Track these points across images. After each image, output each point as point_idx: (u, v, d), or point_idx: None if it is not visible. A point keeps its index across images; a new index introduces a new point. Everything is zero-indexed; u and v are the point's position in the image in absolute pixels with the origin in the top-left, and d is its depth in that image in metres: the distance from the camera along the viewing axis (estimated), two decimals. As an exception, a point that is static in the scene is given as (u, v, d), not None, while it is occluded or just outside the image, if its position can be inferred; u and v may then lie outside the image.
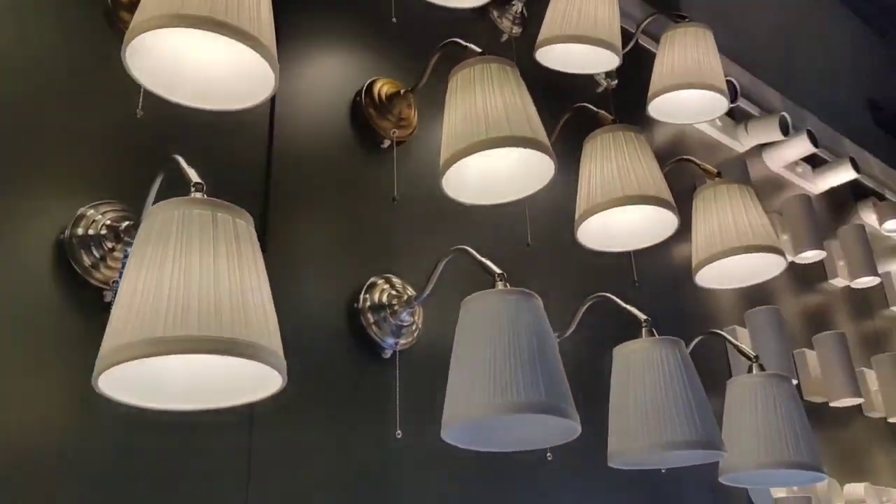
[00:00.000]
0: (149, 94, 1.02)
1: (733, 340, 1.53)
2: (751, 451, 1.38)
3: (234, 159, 1.25)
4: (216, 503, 1.04)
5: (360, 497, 1.19)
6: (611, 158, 1.40)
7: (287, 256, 1.25)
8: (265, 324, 0.78)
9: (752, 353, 1.49)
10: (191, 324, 0.72)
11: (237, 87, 1.03)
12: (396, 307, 1.30)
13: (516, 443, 1.12)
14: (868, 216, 2.86)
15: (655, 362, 1.24)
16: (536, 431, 1.10)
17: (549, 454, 1.43)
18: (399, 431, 1.23)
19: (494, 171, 1.29)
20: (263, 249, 1.20)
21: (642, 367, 1.25)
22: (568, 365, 1.55)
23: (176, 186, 0.89)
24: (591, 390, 1.56)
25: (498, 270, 1.11)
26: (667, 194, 1.38)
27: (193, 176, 0.87)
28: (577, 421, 1.02)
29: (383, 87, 1.46)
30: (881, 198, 2.98)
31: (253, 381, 0.84)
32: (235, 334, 0.73)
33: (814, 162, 2.65)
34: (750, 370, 1.46)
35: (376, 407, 1.25)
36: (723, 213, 1.57)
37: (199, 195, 0.84)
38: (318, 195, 1.33)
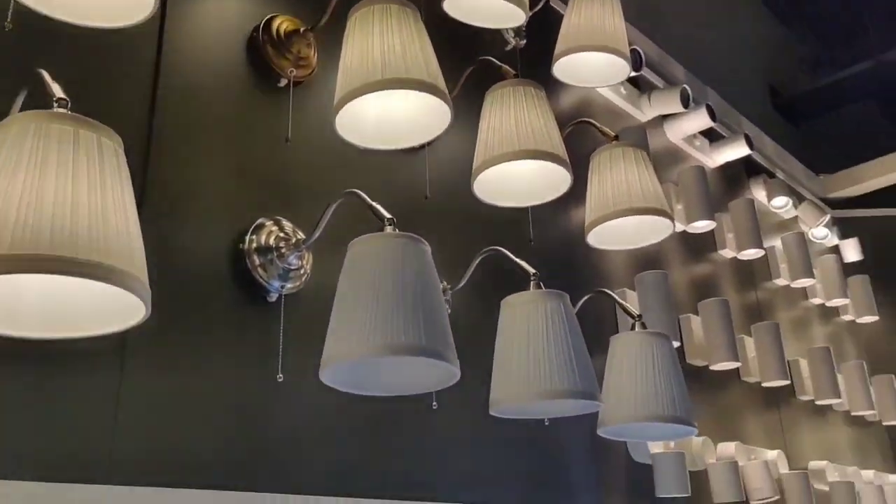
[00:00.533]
0: (19, 6, 0.95)
1: (618, 299, 1.57)
2: (628, 405, 1.43)
3: (116, 89, 1.18)
4: (81, 436, 1.00)
5: (237, 439, 1.16)
6: (510, 112, 1.40)
7: (170, 193, 1.20)
8: (128, 248, 0.74)
9: (635, 312, 1.54)
10: (41, 241, 0.67)
11: (116, 4, 0.97)
12: (284, 250, 1.27)
13: (396, 387, 1.11)
14: (758, 192, 2.99)
15: (540, 314, 1.27)
16: (417, 376, 1.10)
17: (434, 403, 1.44)
18: (280, 375, 1.22)
19: (391, 116, 1.27)
20: (144, 184, 1.16)
21: (527, 318, 1.27)
22: (459, 316, 1.57)
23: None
24: (480, 342, 1.58)
25: (387, 215, 1.10)
26: (562, 151, 1.40)
27: (57, 91, 0.81)
28: (457, 366, 1.02)
29: (282, 24, 1.41)
30: (771, 175, 3.12)
31: (116, 309, 0.80)
32: (92, 256, 0.69)
33: (711, 137, 2.75)
34: (633, 328, 1.51)
35: (259, 350, 1.23)
36: (617, 175, 1.61)
37: (62, 111, 0.78)
38: (207, 132, 1.28)
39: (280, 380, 1.21)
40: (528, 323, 1.26)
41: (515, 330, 1.27)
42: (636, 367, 1.45)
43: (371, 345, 0.97)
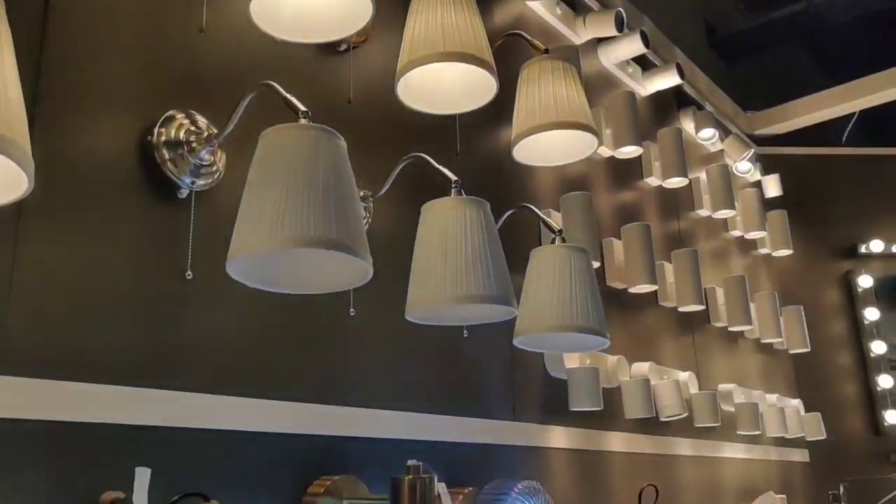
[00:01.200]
0: None
1: (541, 214, 1.58)
2: (543, 315, 1.44)
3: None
4: (-32, 329, 0.95)
5: (143, 336, 1.13)
6: (436, 13, 1.35)
7: (72, 81, 1.12)
8: (6, 113, 0.68)
9: (556, 227, 1.55)
10: None
11: None
12: (195, 145, 1.22)
13: (308, 285, 1.09)
14: (687, 124, 3.03)
15: (459, 219, 1.26)
16: (329, 273, 1.08)
17: (351, 310, 1.43)
18: (190, 273, 1.18)
19: (310, 8, 1.22)
20: (40, 68, 1.08)
21: (446, 223, 1.26)
22: (381, 224, 1.55)
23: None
24: (401, 250, 1.57)
25: (302, 108, 1.06)
26: (488, 57, 1.37)
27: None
28: (369, 263, 1.01)
29: None
30: (700, 108, 3.16)
31: (-2, 182, 0.75)
32: (-37, 115, 0.64)
33: (644, 65, 2.75)
34: (553, 242, 1.52)
35: (168, 247, 1.18)
36: (545, 88, 1.59)
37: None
38: (114, 18, 1.20)
39: (189, 277, 1.18)
40: (447, 228, 1.25)
41: (434, 235, 1.26)
42: (553, 278, 1.46)
43: (278, 236, 0.94)
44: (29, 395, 0.98)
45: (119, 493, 1.04)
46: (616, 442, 2.12)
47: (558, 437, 1.91)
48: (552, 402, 1.93)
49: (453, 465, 1.60)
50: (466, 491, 1.54)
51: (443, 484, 1.24)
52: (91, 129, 1.13)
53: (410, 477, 1.21)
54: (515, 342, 1.51)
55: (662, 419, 2.29)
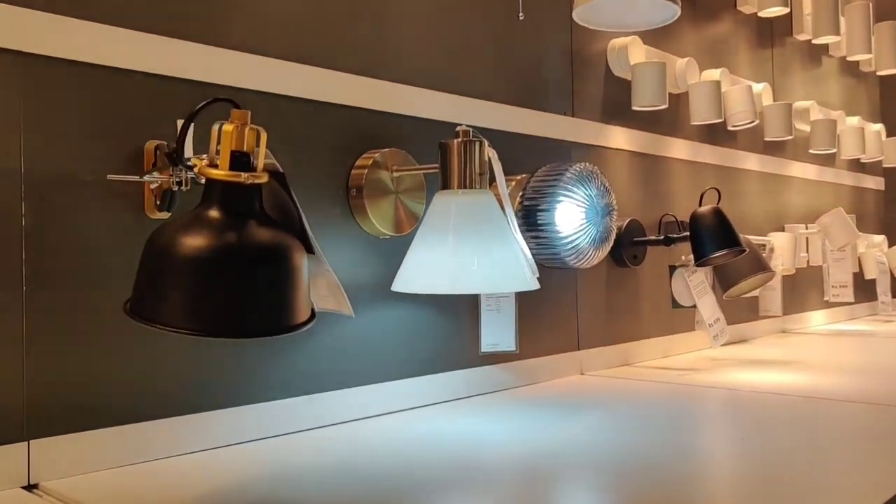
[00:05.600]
0: None
1: None
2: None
3: None
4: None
5: (170, -12, 1.06)
6: None
7: None
8: None
9: None
10: None
11: None
12: None
13: None
14: None
15: None
16: None
17: (394, -24, 1.32)
18: (212, -86, 1.08)
19: None
20: None
21: None
22: None
23: None
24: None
25: None
26: None
27: None
28: None
29: None
30: None
31: None
32: None
33: None
34: None
35: None
36: None
37: None
38: None
39: (212, -80, 1.08)
40: None
41: None
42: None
43: None
44: (64, 32, 0.94)
45: (162, 141, 1.03)
46: (679, 149, 2.04)
47: (618, 138, 1.84)
48: (614, 101, 1.83)
49: (505, 156, 1.55)
50: (519, 178, 1.51)
51: (494, 151, 1.19)
52: None
53: (460, 139, 1.17)
54: (574, 15, 1.40)
55: (730, 128, 2.18)
